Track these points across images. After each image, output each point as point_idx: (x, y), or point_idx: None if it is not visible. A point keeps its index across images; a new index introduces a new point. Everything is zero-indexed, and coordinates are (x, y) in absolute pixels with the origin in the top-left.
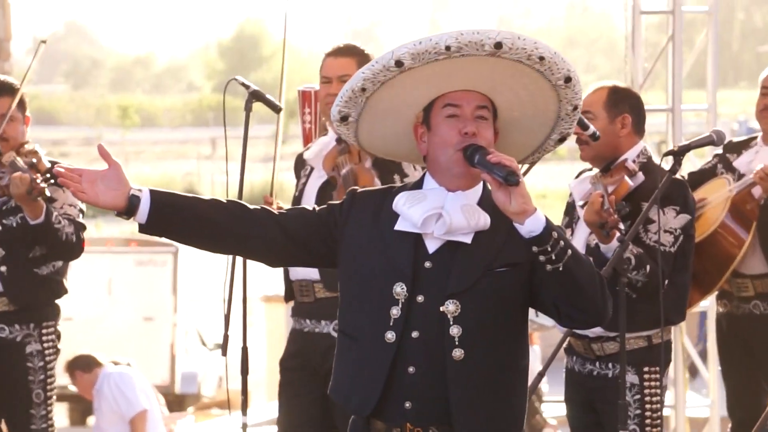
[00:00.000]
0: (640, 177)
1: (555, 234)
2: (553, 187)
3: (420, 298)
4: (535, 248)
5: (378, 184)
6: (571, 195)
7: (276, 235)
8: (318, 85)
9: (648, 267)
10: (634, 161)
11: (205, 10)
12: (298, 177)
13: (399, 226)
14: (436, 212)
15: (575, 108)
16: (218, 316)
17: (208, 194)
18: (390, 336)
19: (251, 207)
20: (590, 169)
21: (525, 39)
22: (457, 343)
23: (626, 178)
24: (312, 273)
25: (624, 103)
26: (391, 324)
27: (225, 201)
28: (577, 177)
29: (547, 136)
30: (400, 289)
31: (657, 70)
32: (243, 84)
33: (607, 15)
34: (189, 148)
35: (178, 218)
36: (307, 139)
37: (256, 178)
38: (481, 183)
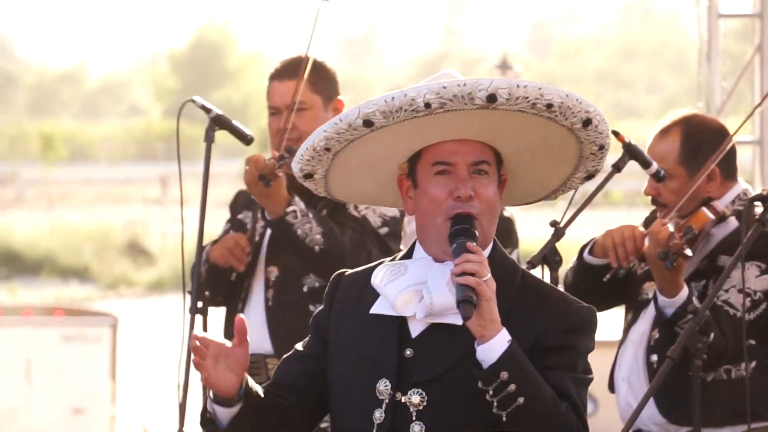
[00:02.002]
0: (731, 224)
1: (504, 375)
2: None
3: (398, 395)
4: (480, 384)
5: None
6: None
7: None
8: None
9: (712, 335)
10: (727, 207)
11: (153, 13)
12: (232, 215)
13: (376, 308)
14: (416, 289)
15: (601, 147)
16: (170, 406)
17: (158, 248)
18: None
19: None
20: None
21: (527, 86)
22: None
23: (705, 210)
24: (264, 344)
25: (705, 149)
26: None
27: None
28: (645, 224)
29: (570, 174)
30: (383, 387)
31: (740, 89)
32: (202, 107)
33: (675, 20)
34: (132, 190)
35: (258, 419)
36: None
37: (219, 228)
38: (492, 242)
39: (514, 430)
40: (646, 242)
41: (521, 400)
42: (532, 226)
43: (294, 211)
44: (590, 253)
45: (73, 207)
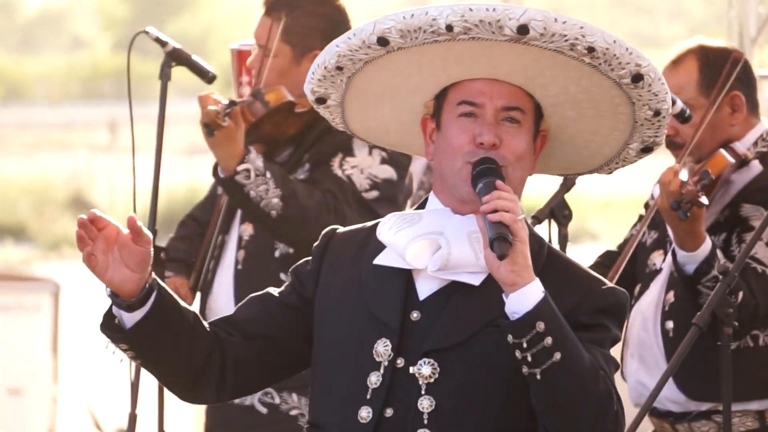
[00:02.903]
0: (754, 168)
1: (540, 326)
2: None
3: (400, 362)
4: (510, 338)
5: (288, 93)
6: (654, 203)
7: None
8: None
9: (741, 294)
10: (749, 149)
11: None
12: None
13: (380, 258)
14: (432, 238)
15: (657, 113)
16: (120, 386)
17: (106, 203)
18: (365, 414)
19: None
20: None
21: (566, 21)
22: (425, 421)
23: (723, 152)
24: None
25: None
26: (368, 396)
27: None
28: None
29: (624, 144)
30: (382, 348)
31: None
32: (157, 39)
33: None
34: (76, 135)
35: (168, 331)
36: None
37: (178, 179)
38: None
39: (547, 396)
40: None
41: (558, 356)
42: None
43: (247, 170)
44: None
45: (7, 155)
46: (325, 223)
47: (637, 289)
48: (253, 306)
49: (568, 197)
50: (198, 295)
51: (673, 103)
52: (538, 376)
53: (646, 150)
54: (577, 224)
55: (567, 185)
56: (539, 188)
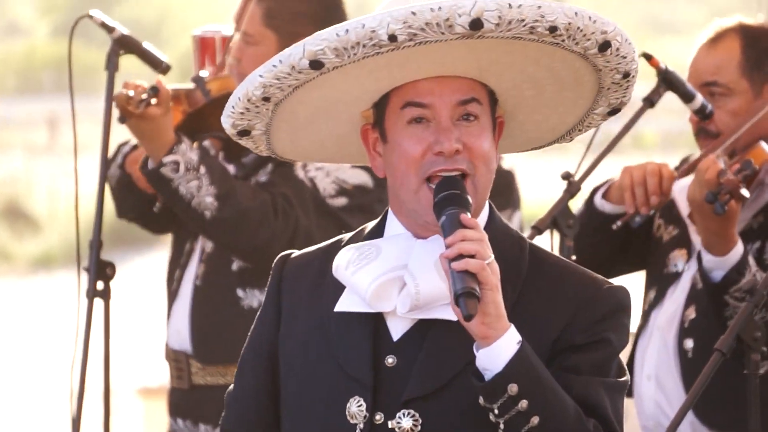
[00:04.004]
0: None
1: (513, 389)
2: None
3: (378, 418)
4: (481, 399)
5: (234, 82)
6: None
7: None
8: (223, 28)
9: None
10: None
11: None
12: None
13: (341, 305)
14: (395, 276)
15: (626, 75)
16: (61, 419)
17: (45, 211)
18: None
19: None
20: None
21: (521, 5)
22: None
23: (765, 145)
24: (187, 341)
25: None
26: None
27: None
28: (678, 170)
29: (588, 110)
30: (356, 409)
31: None
32: (103, 24)
33: None
34: (10, 134)
35: None
36: None
37: None
38: (486, 205)
39: None
40: (678, 187)
41: (535, 420)
42: (537, 179)
43: (175, 162)
44: (604, 197)
45: None
46: (271, 228)
47: (653, 294)
48: (252, 383)
49: (573, 205)
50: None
51: (693, 97)
52: None
53: (613, 112)
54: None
55: (571, 191)
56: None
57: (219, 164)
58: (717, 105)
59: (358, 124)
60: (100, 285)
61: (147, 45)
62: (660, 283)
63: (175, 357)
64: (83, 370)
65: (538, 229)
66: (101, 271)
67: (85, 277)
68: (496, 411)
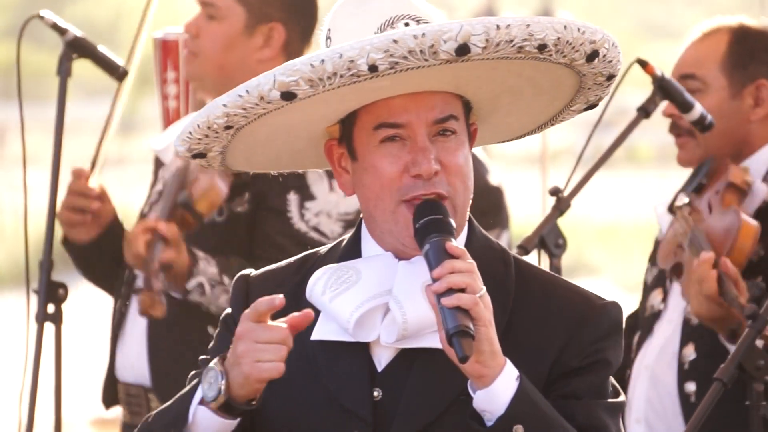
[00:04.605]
0: None
1: (519, 430)
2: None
3: None
4: None
5: (220, 189)
6: (660, 231)
7: None
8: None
9: None
10: None
11: None
12: (154, 180)
13: (318, 333)
14: (379, 303)
15: (610, 77)
16: None
17: None
18: None
19: None
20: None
21: (510, 25)
22: None
23: (744, 217)
24: (145, 375)
25: (760, 58)
26: None
27: None
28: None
29: (564, 107)
30: None
31: None
32: (54, 26)
33: None
34: None
35: None
36: (171, 123)
37: None
38: (465, 225)
39: None
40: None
41: None
42: (523, 195)
43: (200, 285)
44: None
45: None
46: None
47: (636, 337)
48: None
49: (562, 223)
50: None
51: (691, 106)
52: None
53: (590, 108)
54: (572, 255)
55: (560, 208)
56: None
57: (237, 265)
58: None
59: (319, 140)
60: (50, 308)
61: (102, 48)
62: (642, 328)
63: (128, 391)
64: (32, 400)
65: (524, 249)
66: (52, 292)
67: (34, 299)
68: None
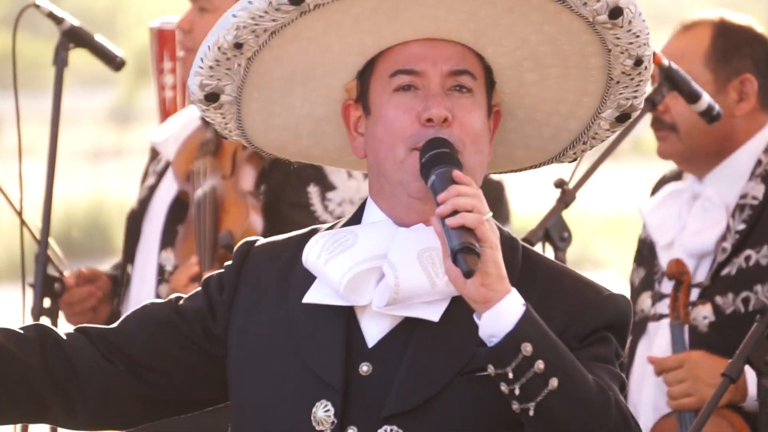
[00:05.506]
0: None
1: (527, 348)
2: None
3: (351, 431)
4: (491, 369)
5: (257, 225)
6: (644, 229)
7: (111, 384)
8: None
9: None
10: (760, 161)
11: None
12: (145, 175)
13: (311, 296)
14: (373, 266)
15: (638, 61)
16: None
17: None
18: None
19: (58, 337)
20: (677, 175)
21: None
22: None
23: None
24: None
25: (743, 52)
26: None
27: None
28: (653, 192)
29: (595, 112)
30: (323, 413)
31: None
32: (50, 15)
33: None
34: None
35: None
36: (167, 114)
37: (78, 190)
38: None
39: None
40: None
41: (554, 382)
42: (527, 188)
43: None
44: None
45: None
46: None
47: (629, 343)
48: (143, 328)
49: (567, 215)
50: None
51: (698, 97)
52: (532, 412)
53: (622, 118)
54: (577, 248)
55: (565, 200)
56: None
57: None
58: (674, 95)
59: (338, 103)
60: (47, 302)
61: (99, 38)
62: (633, 332)
63: None
64: None
65: (529, 242)
66: (48, 286)
67: (30, 293)
68: (510, 375)
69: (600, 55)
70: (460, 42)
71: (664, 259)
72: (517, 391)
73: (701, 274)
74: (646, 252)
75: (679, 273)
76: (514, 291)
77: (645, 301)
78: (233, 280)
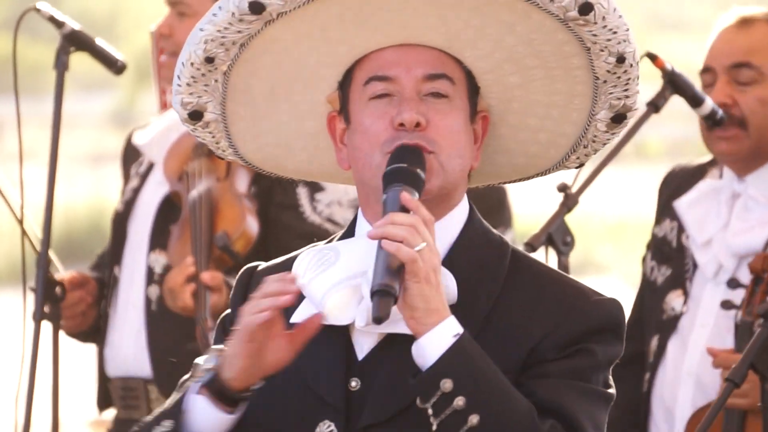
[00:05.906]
0: None
1: (446, 385)
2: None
3: None
4: (417, 401)
5: (253, 227)
6: (673, 227)
7: None
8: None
9: None
10: None
11: None
12: (126, 175)
13: (297, 316)
14: (353, 285)
15: (621, 59)
16: None
17: None
18: None
19: None
20: (708, 165)
21: None
22: None
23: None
24: (142, 364)
25: None
26: None
27: None
28: (664, 186)
29: (589, 114)
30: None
31: None
32: (51, 19)
33: None
34: None
35: None
36: None
37: (78, 193)
38: (464, 204)
39: None
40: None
41: (474, 419)
42: (530, 192)
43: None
44: None
45: None
46: None
47: (655, 342)
48: None
49: (570, 219)
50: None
51: (701, 101)
52: None
53: (618, 119)
54: (581, 253)
55: (568, 205)
56: (534, 208)
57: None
58: (743, 90)
59: (324, 116)
60: (48, 306)
61: (100, 41)
62: (661, 331)
63: (122, 383)
64: (29, 400)
65: (531, 246)
66: (50, 290)
67: (31, 297)
68: (430, 411)
69: (580, 55)
70: (435, 47)
71: (700, 257)
72: (434, 427)
73: (743, 275)
74: (667, 250)
75: (762, 269)
76: (447, 322)
77: (674, 299)
78: (239, 304)
